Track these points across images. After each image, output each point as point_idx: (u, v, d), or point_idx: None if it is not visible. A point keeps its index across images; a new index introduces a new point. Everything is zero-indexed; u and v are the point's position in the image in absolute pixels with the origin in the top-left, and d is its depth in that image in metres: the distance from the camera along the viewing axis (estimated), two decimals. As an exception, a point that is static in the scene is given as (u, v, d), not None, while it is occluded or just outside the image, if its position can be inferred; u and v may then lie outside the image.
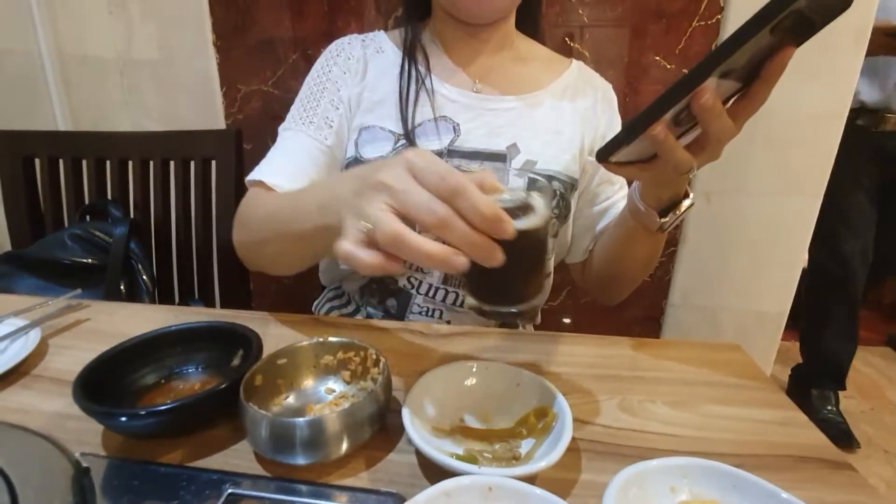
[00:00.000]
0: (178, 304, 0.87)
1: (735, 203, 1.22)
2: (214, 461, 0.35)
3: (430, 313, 0.62)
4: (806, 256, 1.31)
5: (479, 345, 0.52)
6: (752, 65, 0.36)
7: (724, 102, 0.39)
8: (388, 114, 0.58)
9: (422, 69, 0.60)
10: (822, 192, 1.19)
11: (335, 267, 0.67)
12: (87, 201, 0.90)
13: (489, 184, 0.32)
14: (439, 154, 0.57)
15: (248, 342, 0.42)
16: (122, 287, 0.78)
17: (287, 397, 0.40)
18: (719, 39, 1.10)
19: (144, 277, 0.79)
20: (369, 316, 0.65)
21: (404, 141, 0.57)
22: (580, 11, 1.12)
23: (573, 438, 0.33)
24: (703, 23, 1.10)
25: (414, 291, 0.61)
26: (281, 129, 0.62)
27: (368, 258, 0.30)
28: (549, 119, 0.61)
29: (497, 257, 0.30)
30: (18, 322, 0.52)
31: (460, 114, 0.60)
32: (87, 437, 0.38)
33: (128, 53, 1.31)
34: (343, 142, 0.61)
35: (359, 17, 1.21)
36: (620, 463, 0.32)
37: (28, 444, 0.35)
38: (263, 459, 0.35)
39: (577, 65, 0.68)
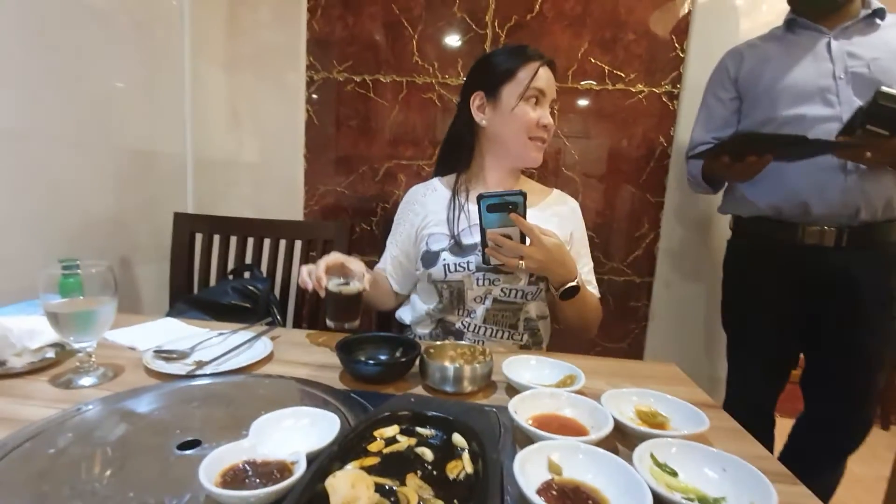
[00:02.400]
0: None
1: (686, 288, 1.63)
2: (408, 392, 0.69)
3: (476, 343, 0.98)
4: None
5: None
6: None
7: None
8: (444, 227, 1.00)
9: (462, 200, 1.02)
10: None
11: (410, 315, 1.06)
12: (228, 265, 1.26)
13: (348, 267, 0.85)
14: (474, 245, 0.97)
15: (407, 343, 0.78)
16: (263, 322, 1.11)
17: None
18: (668, 176, 1.58)
19: (278, 317, 1.13)
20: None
21: (453, 240, 0.98)
22: (573, 152, 1.61)
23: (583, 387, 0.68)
24: (656, 164, 1.59)
25: (465, 330, 0.98)
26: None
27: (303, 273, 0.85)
28: (539, 223, 0.96)
29: (321, 294, 0.82)
30: (247, 334, 0.86)
31: None
32: (330, 383, 0.71)
33: (235, 157, 1.75)
34: (410, 245, 1.06)
35: (415, 145, 1.68)
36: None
37: (314, 386, 0.69)
38: (431, 391, 0.69)
39: (556, 191, 1.10)
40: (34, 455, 0.49)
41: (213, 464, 0.43)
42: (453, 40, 1.62)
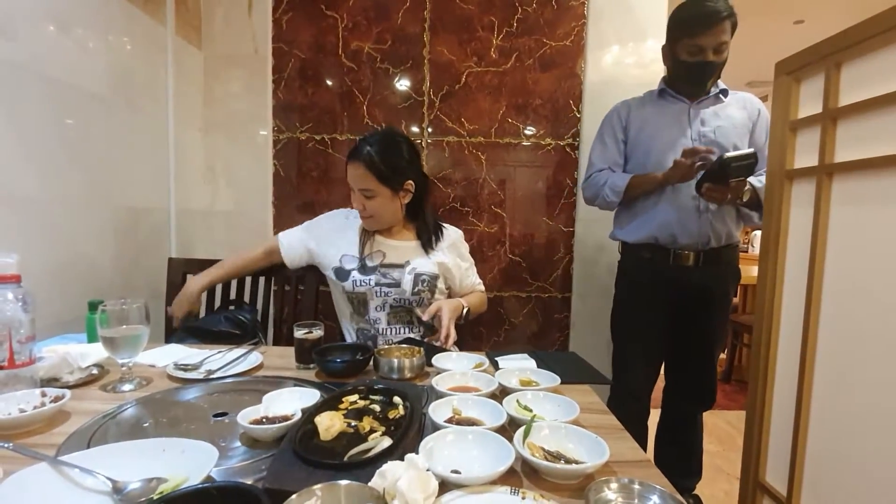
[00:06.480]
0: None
1: (597, 300, 2.00)
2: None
3: (387, 338, 1.34)
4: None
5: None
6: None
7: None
8: (355, 250, 1.34)
9: (372, 233, 1.37)
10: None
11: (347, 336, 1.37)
12: (214, 299, 1.51)
13: None
14: (375, 266, 1.33)
15: (364, 347, 1.07)
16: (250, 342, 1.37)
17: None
18: (575, 209, 1.97)
19: (263, 339, 1.39)
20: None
21: (361, 262, 1.33)
22: (499, 193, 1.97)
23: (487, 370, 1.00)
24: (565, 201, 1.97)
25: (378, 334, 1.33)
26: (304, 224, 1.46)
27: None
28: (423, 251, 1.37)
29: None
30: (240, 350, 1.13)
31: (386, 249, 1.36)
32: (308, 377, 0.99)
33: (211, 207, 2.01)
34: (325, 248, 1.39)
35: (369, 191, 1.99)
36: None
37: (298, 381, 0.97)
38: (382, 379, 0.98)
39: (445, 225, 1.47)
40: (115, 426, 0.75)
41: (243, 418, 0.71)
42: (397, 105, 1.97)
